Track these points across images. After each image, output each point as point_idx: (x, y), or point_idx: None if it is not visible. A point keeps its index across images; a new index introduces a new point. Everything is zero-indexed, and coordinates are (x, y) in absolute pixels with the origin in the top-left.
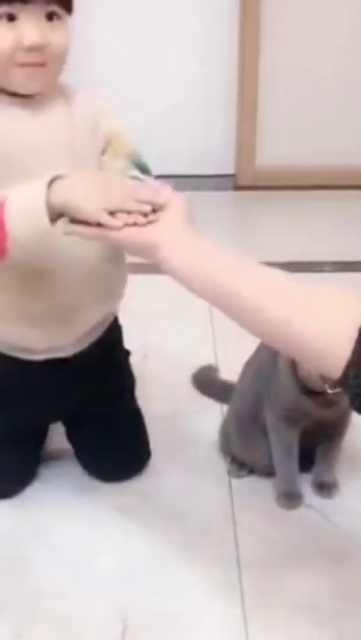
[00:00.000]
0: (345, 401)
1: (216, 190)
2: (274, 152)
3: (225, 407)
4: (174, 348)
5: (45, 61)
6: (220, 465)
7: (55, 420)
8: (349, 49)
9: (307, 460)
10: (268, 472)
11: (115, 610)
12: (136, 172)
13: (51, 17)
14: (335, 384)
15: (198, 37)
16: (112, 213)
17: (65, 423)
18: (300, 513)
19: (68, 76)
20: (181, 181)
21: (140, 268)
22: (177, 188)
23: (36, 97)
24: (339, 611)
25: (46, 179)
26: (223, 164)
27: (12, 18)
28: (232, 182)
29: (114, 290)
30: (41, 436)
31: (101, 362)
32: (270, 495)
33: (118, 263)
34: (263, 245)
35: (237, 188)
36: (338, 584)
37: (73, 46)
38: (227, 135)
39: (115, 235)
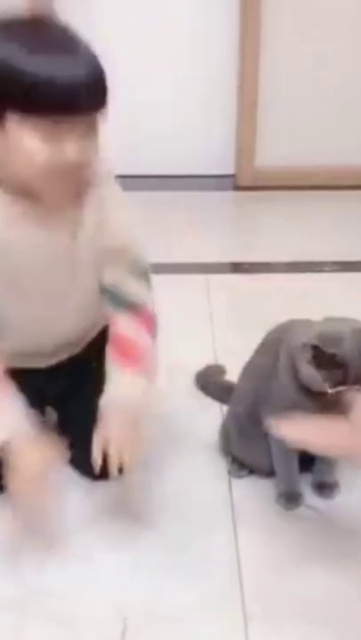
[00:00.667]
0: (345, 401)
1: (216, 190)
2: (274, 152)
3: (225, 407)
4: (174, 348)
5: (81, 174)
6: (220, 465)
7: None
8: (349, 49)
9: (307, 460)
10: (268, 472)
11: (115, 610)
12: (135, 281)
13: (89, 127)
14: (335, 383)
15: (198, 37)
16: None
17: (57, 422)
18: (300, 513)
19: None
20: (181, 181)
21: None
22: (177, 187)
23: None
24: (338, 610)
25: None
26: (223, 164)
27: (54, 131)
28: (232, 182)
29: (88, 336)
30: None
31: (77, 366)
32: (270, 495)
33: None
34: (263, 245)
35: (237, 188)
36: (338, 584)
37: None
38: (227, 135)
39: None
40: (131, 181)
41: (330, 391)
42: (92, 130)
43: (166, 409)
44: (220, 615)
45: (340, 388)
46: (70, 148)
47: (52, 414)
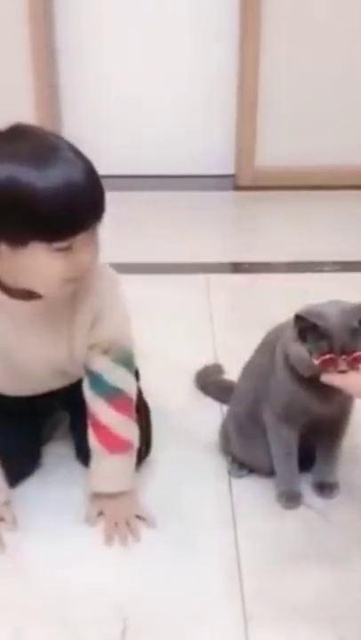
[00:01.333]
0: (343, 397)
1: (216, 190)
2: (274, 152)
3: (225, 407)
4: (174, 348)
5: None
6: (220, 465)
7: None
8: (349, 49)
9: (307, 460)
10: (268, 472)
11: (115, 610)
12: (119, 370)
13: (95, 230)
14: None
15: (198, 37)
16: None
17: (70, 415)
18: (300, 513)
19: (68, 77)
20: (181, 181)
21: (139, 268)
22: (177, 187)
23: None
24: (339, 611)
25: None
26: (223, 164)
27: (71, 247)
28: (232, 182)
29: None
30: (40, 415)
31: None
32: (270, 495)
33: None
34: (263, 245)
35: (237, 188)
36: (338, 584)
37: (73, 48)
38: (227, 135)
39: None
40: (131, 181)
41: (316, 362)
42: (97, 231)
43: (166, 409)
44: (220, 615)
45: (327, 357)
46: (84, 257)
47: (64, 415)
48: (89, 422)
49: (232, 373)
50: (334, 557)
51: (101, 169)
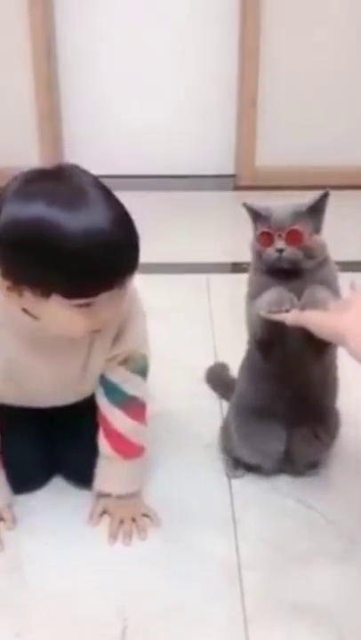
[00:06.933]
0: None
1: (216, 190)
2: (274, 152)
3: (225, 407)
4: (174, 348)
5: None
6: (220, 465)
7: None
8: (349, 49)
9: (289, 462)
10: (268, 471)
11: (115, 610)
12: (135, 378)
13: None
14: (263, 235)
15: (198, 38)
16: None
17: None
18: (300, 513)
19: (68, 77)
20: (181, 181)
21: (139, 268)
22: (177, 187)
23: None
24: (339, 611)
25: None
26: (223, 164)
27: (87, 304)
28: (232, 182)
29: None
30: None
31: None
32: (270, 495)
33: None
34: None
35: (237, 188)
36: (338, 584)
37: (73, 48)
38: (227, 135)
39: (309, 321)
40: (131, 181)
41: (261, 249)
42: (125, 288)
43: (166, 409)
44: (220, 615)
45: (264, 230)
46: (105, 314)
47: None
48: (101, 430)
49: (232, 373)
50: (334, 557)
51: (101, 169)
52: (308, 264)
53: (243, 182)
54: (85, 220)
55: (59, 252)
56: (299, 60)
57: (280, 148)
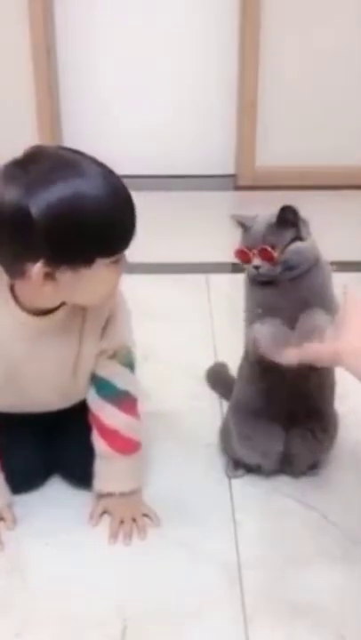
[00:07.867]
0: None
1: (216, 190)
2: (274, 152)
3: (225, 407)
4: (174, 348)
5: None
6: (220, 465)
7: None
8: (349, 50)
9: (288, 463)
10: (268, 472)
11: (115, 610)
12: (125, 372)
13: None
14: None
15: (198, 38)
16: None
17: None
18: (300, 513)
19: (68, 77)
20: (181, 181)
21: (139, 268)
22: (177, 187)
23: (59, 312)
24: (339, 611)
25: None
26: (223, 164)
27: (117, 260)
28: (232, 182)
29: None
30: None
31: None
32: (270, 495)
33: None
34: None
35: (237, 188)
36: (338, 584)
37: (73, 48)
38: (227, 135)
39: (308, 356)
40: (131, 181)
41: (245, 266)
42: None
43: (166, 409)
44: (220, 615)
45: (239, 248)
46: (122, 267)
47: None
48: (94, 430)
49: (232, 373)
50: (334, 557)
51: None
52: (290, 274)
53: (243, 182)
54: (100, 182)
55: (95, 217)
56: (299, 61)
57: (280, 148)
